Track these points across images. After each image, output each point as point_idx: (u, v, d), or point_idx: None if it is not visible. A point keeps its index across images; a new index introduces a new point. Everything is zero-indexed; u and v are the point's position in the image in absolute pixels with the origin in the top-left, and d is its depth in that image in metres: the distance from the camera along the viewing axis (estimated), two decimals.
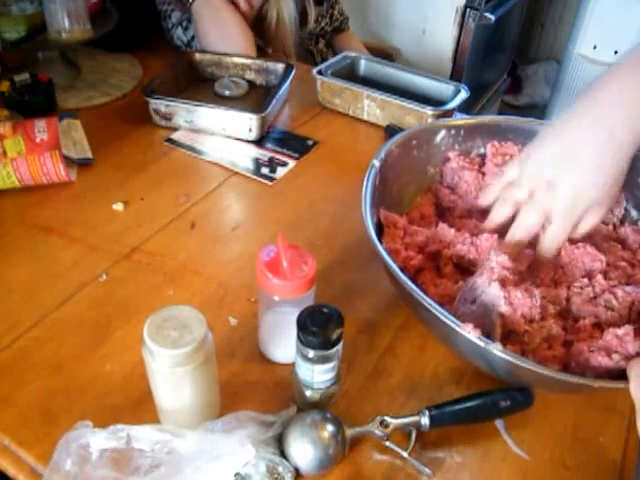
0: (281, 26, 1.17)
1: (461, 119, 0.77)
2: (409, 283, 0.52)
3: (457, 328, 0.49)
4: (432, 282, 0.61)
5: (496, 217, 0.62)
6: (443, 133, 0.75)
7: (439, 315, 0.50)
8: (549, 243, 0.59)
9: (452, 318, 0.49)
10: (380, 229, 0.65)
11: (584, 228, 0.59)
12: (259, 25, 1.14)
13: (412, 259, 0.62)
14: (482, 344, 0.48)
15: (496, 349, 0.48)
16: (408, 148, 0.72)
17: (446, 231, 0.64)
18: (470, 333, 0.48)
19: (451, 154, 0.75)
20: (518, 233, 0.59)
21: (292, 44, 1.23)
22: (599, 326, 0.58)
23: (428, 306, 0.50)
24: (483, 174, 0.75)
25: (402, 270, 0.54)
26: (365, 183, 0.63)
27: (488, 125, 0.76)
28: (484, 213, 0.66)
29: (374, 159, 0.66)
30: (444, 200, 0.73)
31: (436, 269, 0.64)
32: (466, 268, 0.63)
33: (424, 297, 0.51)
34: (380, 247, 0.56)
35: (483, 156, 0.76)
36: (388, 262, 0.54)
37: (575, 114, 0.58)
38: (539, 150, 0.59)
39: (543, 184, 0.57)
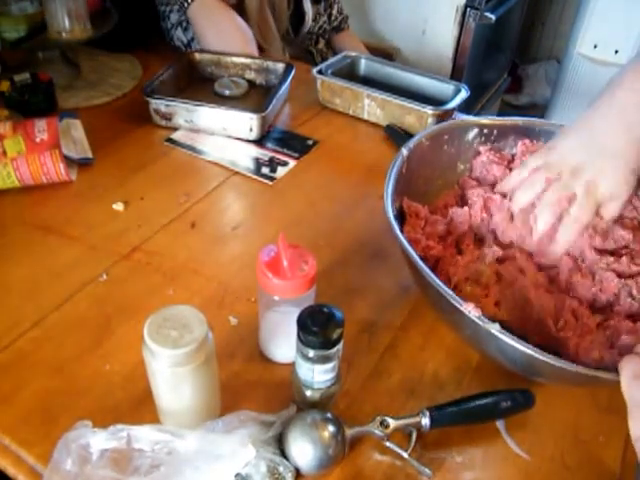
0: (263, 12, 1.17)
1: (495, 119, 0.77)
2: (420, 262, 0.53)
3: (460, 307, 0.49)
4: (451, 263, 0.62)
5: (522, 199, 0.63)
6: (476, 131, 0.75)
7: (444, 293, 0.51)
8: (570, 225, 0.60)
9: (457, 298, 0.50)
10: (400, 219, 0.66)
11: (608, 215, 0.60)
12: (242, 12, 1.13)
13: (432, 249, 0.62)
14: (481, 323, 0.48)
15: (494, 329, 0.48)
16: (439, 142, 0.72)
17: (459, 212, 0.66)
18: (471, 312, 0.49)
19: (482, 148, 0.76)
20: (543, 212, 0.61)
21: (275, 31, 1.22)
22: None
23: (436, 286, 0.51)
24: (511, 170, 0.75)
25: (422, 260, 0.55)
26: (390, 169, 0.64)
27: (521, 126, 0.77)
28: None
29: (403, 148, 0.67)
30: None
31: (457, 253, 0.65)
32: (482, 240, 0.65)
33: (432, 276, 0.52)
34: (395, 224, 0.56)
35: (514, 155, 0.77)
36: (400, 237, 0.55)
37: (594, 111, 0.61)
38: (561, 142, 0.63)
39: (567, 169, 0.60)
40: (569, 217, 0.60)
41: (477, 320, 0.49)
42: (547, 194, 0.61)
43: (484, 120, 0.77)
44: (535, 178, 0.62)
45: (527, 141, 0.76)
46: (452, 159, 0.75)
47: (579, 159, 0.60)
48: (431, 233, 0.64)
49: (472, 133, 0.75)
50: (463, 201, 0.74)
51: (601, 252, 0.62)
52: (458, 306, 0.50)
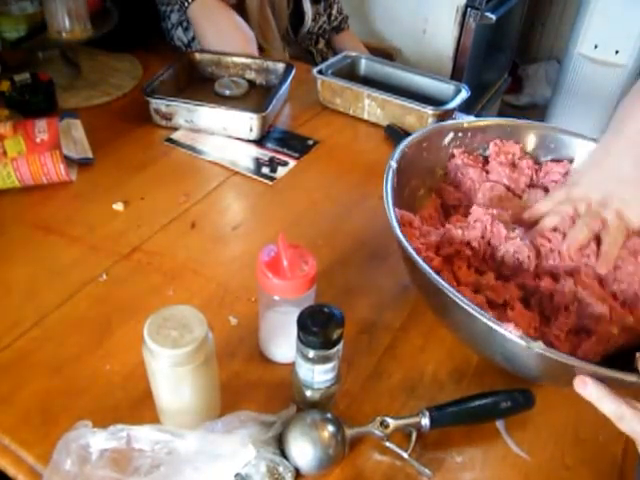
0: (263, 12, 1.17)
1: (468, 121, 0.78)
2: (427, 268, 0.53)
3: (499, 328, 0.48)
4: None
5: (547, 223, 0.64)
6: (451, 135, 0.75)
7: (480, 316, 0.49)
8: (607, 255, 0.60)
9: (492, 318, 0.49)
10: None
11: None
12: (243, 12, 1.13)
13: (432, 260, 0.61)
14: (524, 343, 0.47)
15: (539, 348, 0.47)
16: (419, 150, 0.72)
17: (453, 232, 0.64)
18: (512, 332, 0.48)
19: (456, 151, 0.76)
20: (582, 229, 0.61)
21: (275, 31, 1.22)
22: None
23: (457, 300, 0.50)
24: (487, 172, 0.76)
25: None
26: (385, 184, 0.63)
27: (495, 127, 0.77)
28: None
29: (391, 160, 0.66)
30: (449, 198, 0.74)
31: (452, 272, 0.63)
32: (483, 263, 0.64)
33: (445, 284, 0.51)
34: (404, 241, 0.56)
35: (487, 156, 0.77)
36: (414, 257, 0.54)
37: (608, 144, 0.65)
38: (584, 178, 0.65)
39: (594, 201, 0.62)
40: (608, 236, 0.61)
41: (520, 340, 0.48)
42: (573, 231, 0.61)
43: (458, 123, 0.77)
44: (564, 208, 0.64)
45: (498, 141, 0.77)
46: (431, 165, 0.75)
47: (603, 192, 0.62)
48: (426, 244, 0.64)
49: (448, 137, 0.76)
50: (445, 211, 0.74)
51: None
52: (497, 327, 0.48)
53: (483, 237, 0.64)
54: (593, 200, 0.62)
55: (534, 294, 0.61)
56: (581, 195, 0.63)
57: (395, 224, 0.58)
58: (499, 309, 0.59)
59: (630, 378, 0.46)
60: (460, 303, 0.50)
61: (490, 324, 0.49)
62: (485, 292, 0.60)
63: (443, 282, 0.52)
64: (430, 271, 0.53)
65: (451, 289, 0.51)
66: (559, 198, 0.65)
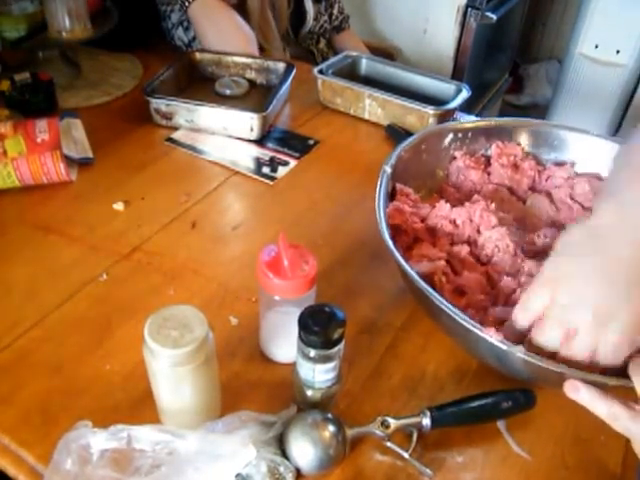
0: (264, 12, 1.17)
1: (468, 122, 0.78)
2: (421, 282, 0.53)
3: (479, 333, 0.49)
4: (421, 252, 0.63)
5: (550, 343, 0.50)
6: (451, 136, 0.76)
7: (462, 321, 0.50)
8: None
9: (473, 322, 0.49)
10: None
11: None
12: (243, 12, 1.13)
13: (415, 223, 0.64)
14: (505, 347, 0.48)
15: (519, 352, 0.47)
16: (418, 152, 0.72)
17: (443, 205, 0.67)
18: (492, 337, 0.48)
19: (457, 153, 0.76)
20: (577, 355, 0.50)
21: (275, 31, 1.22)
22: None
23: (449, 311, 0.51)
24: (489, 174, 0.76)
25: (402, 232, 0.57)
26: (378, 189, 0.63)
27: (495, 127, 0.77)
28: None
29: (385, 165, 0.66)
30: (450, 199, 0.74)
31: (432, 242, 0.66)
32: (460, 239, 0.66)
33: (436, 295, 0.51)
34: (401, 259, 0.56)
35: (489, 157, 0.77)
36: (403, 265, 0.55)
37: (579, 241, 0.52)
38: (571, 283, 0.50)
39: (589, 321, 0.48)
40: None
41: (500, 345, 0.48)
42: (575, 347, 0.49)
43: (458, 124, 0.78)
44: (552, 333, 0.50)
45: (500, 143, 0.77)
46: (431, 167, 0.76)
47: (601, 310, 0.48)
48: (415, 213, 0.66)
49: (448, 138, 0.76)
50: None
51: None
52: (478, 332, 0.49)
53: (471, 220, 0.66)
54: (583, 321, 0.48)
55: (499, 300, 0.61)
56: (566, 308, 0.49)
57: (385, 231, 0.58)
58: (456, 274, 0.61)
59: (612, 382, 0.46)
60: (446, 310, 0.51)
61: (472, 329, 0.49)
62: (453, 263, 0.62)
63: (429, 288, 0.53)
64: (417, 277, 0.54)
65: (436, 295, 0.52)
66: (541, 301, 0.51)
